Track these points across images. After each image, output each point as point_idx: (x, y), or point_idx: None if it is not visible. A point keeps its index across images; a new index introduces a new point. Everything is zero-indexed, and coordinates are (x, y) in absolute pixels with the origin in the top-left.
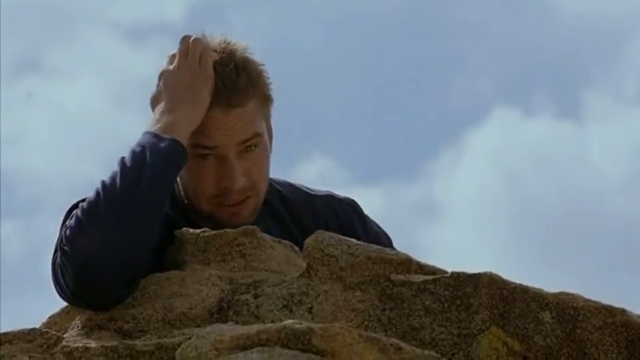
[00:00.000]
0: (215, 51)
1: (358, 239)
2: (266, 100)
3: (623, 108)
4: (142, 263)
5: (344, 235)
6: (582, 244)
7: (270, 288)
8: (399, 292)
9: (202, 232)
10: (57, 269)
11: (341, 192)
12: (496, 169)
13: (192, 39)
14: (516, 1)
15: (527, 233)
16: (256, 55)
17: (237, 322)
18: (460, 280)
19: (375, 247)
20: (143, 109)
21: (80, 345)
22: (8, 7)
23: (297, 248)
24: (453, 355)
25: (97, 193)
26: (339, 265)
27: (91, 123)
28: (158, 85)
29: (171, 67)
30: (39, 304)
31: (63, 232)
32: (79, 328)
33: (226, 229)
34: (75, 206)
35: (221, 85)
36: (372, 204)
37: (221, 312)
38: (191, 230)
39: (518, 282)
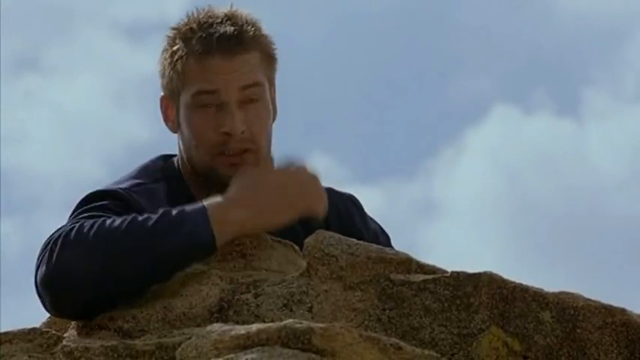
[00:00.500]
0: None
1: (359, 232)
2: (269, 58)
3: (623, 106)
4: (117, 296)
5: (344, 229)
6: (582, 243)
7: (270, 287)
8: (399, 291)
9: None
10: (42, 254)
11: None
12: (496, 167)
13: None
14: (516, 0)
15: (527, 232)
16: None
17: (237, 322)
18: (460, 279)
19: (375, 246)
20: (142, 108)
21: (80, 345)
22: (8, 6)
23: (297, 248)
24: (452, 354)
25: (119, 222)
26: (339, 264)
27: (90, 121)
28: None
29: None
30: (39, 303)
31: (68, 228)
32: (79, 327)
33: None
34: (86, 200)
35: (228, 31)
36: (372, 202)
37: (221, 311)
38: None
39: (518, 281)
